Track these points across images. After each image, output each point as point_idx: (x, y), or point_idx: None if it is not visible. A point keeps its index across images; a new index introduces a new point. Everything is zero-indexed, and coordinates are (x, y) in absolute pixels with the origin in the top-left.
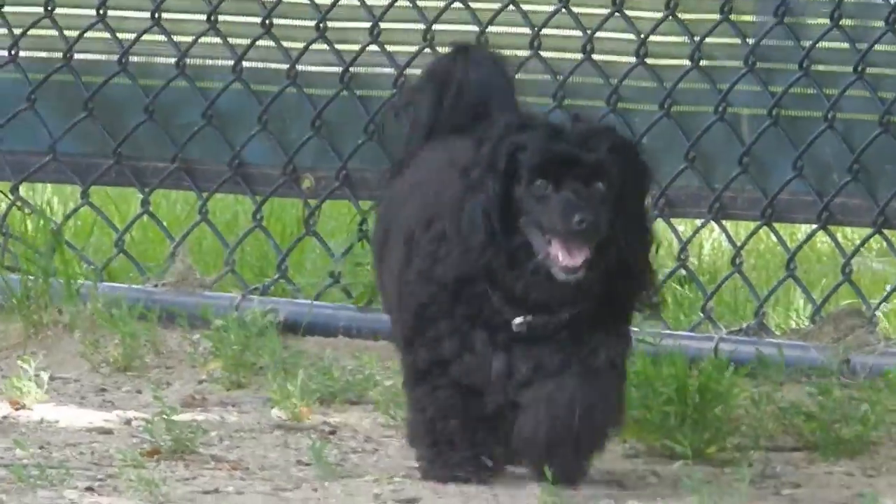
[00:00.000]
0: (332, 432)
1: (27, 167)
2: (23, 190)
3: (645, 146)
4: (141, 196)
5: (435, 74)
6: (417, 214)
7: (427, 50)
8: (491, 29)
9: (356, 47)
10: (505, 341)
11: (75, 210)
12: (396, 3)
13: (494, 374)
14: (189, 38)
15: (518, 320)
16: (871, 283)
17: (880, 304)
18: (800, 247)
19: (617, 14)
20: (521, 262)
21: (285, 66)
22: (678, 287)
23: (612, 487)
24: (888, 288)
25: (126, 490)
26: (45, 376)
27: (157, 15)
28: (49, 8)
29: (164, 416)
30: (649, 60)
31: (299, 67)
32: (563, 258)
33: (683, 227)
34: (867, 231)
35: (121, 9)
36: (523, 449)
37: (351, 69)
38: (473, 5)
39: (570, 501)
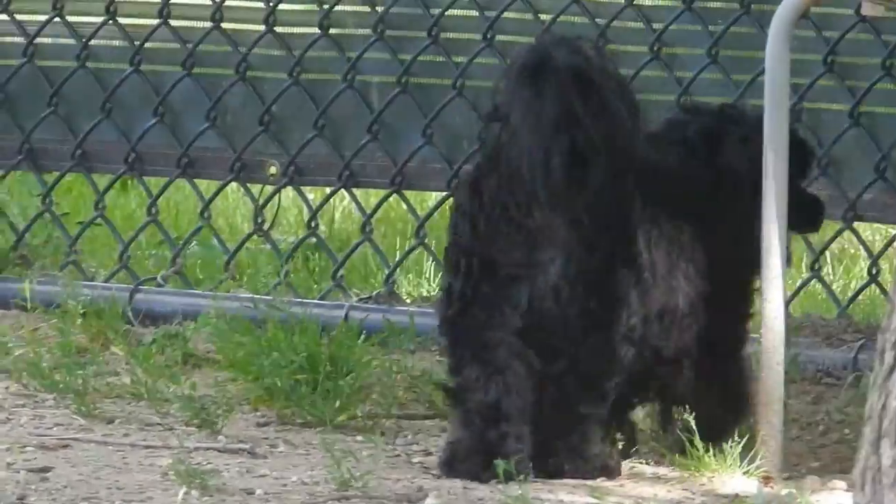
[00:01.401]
0: None
1: None
2: None
3: (275, 114)
4: None
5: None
6: None
7: (111, 22)
8: None
9: (41, 18)
10: None
11: None
12: None
13: None
14: None
15: None
16: None
17: None
18: (429, 214)
19: None
20: None
21: None
22: (309, 255)
23: (243, 455)
24: None
25: None
26: None
27: None
28: None
29: None
30: (278, 29)
31: None
32: None
33: (314, 195)
34: None
35: None
36: None
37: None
38: None
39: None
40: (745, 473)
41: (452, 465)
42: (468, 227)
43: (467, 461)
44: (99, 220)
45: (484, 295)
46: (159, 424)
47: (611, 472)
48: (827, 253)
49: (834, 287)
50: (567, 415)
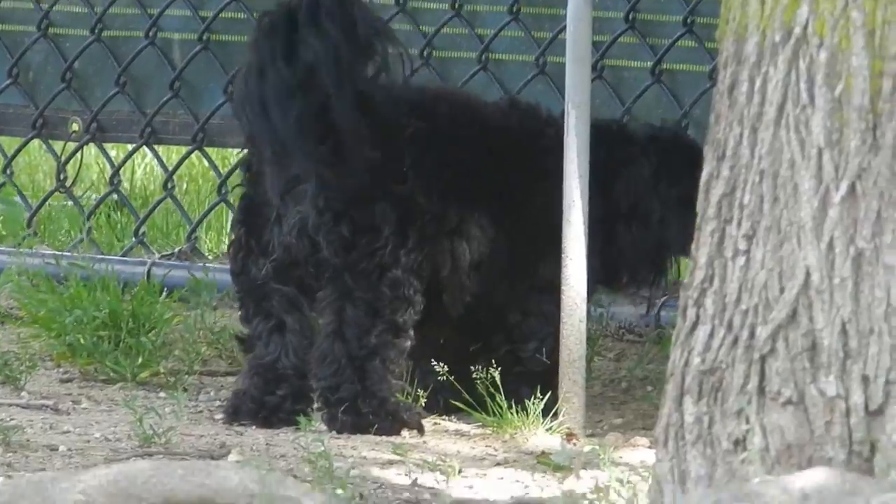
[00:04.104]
0: None
1: None
2: None
3: (77, 71)
4: None
5: None
6: None
7: None
8: None
9: None
10: None
11: None
12: None
13: None
14: None
15: None
16: None
17: None
18: (231, 171)
19: None
20: None
21: None
22: (111, 212)
23: (46, 412)
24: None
25: None
26: None
27: None
28: None
29: None
30: None
31: None
32: None
33: (115, 151)
34: None
35: None
36: None
37: None
38: None
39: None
40: (547, 430)
41: (236, 416)
42: (244, 174)
43: (249, 416)
44: None
45: (258, 244)
46: None
47: (413, 428)
48: None
49: None
50: (356, 350)
